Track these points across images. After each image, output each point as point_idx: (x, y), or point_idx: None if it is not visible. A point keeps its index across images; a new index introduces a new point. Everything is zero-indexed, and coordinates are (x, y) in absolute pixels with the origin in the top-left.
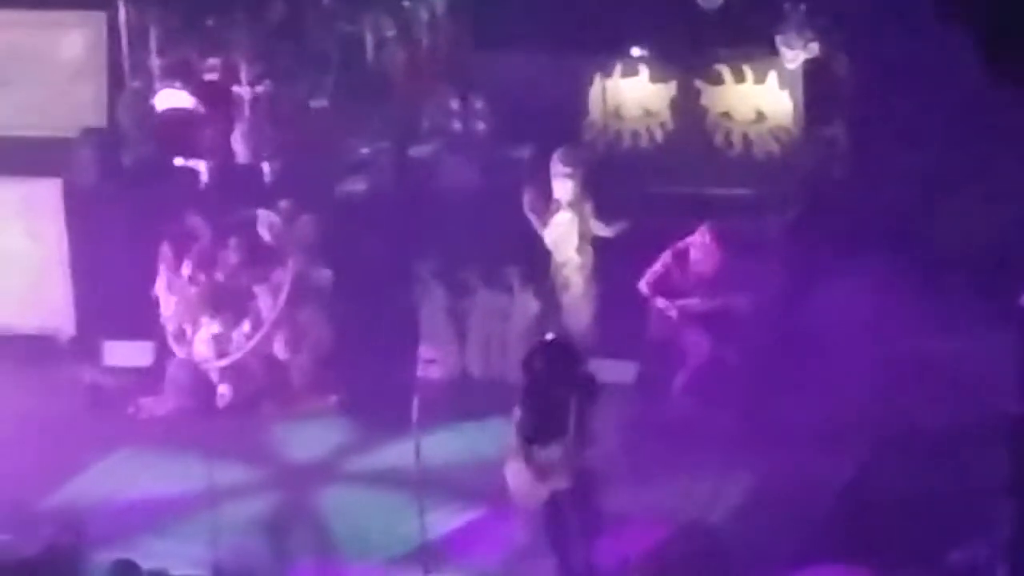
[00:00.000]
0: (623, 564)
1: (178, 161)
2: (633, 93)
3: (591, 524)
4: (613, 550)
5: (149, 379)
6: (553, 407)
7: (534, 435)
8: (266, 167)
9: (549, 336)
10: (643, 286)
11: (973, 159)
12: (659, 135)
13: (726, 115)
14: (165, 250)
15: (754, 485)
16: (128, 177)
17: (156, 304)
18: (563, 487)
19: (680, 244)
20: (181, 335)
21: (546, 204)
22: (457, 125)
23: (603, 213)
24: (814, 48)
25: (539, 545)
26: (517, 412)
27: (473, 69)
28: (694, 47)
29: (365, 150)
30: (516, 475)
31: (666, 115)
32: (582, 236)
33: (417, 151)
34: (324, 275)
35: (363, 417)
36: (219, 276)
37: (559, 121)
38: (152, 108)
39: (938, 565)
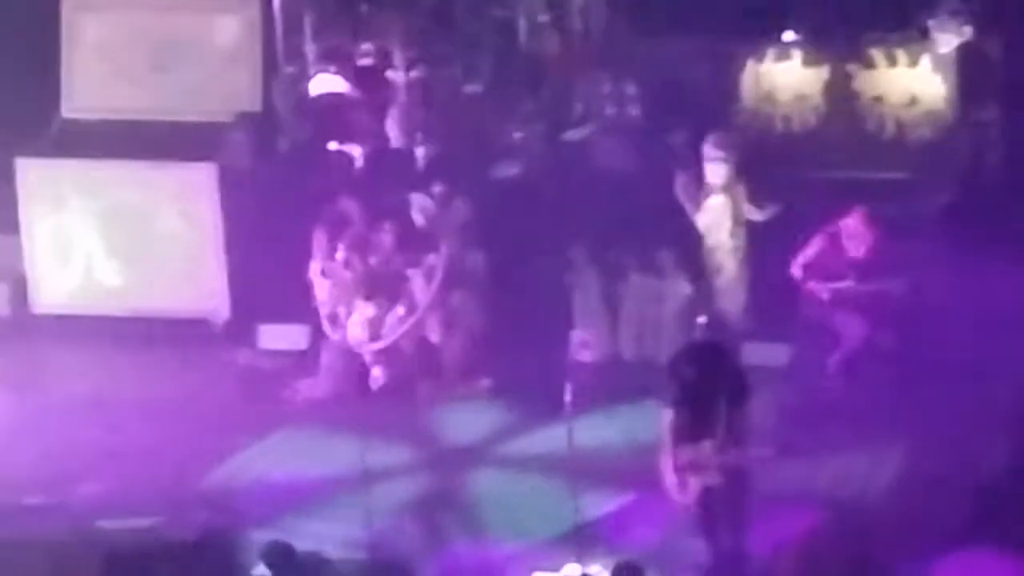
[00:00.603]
0: (775, 548)
1: (332, 146)
2: (785, 78)
3: (742, 517)
4: (764, 534)
5: (304, 362)
6: (704, 406)
7: (685, 433)
8: (420, 151)
9: (701, 320)
10: (795, 270)
11: None
12: (811, 119)
13: (879, 99)
14: (319, 234)
15: (906, 468)
16: (282, 161)
17: (310, 288)
18: (714, 483)
19: (832, 228)
20: (335, 319)
21: (698, 188)
22: (610, 110)
23: (755, 197)
24: (967, 32)
25: (691, 531)
26: (669, 409)
27: (626, 54)
28: (847, 31)
29: (518, 134)
30: (669, 470)
31: (818, 99)
32: (734, 220)
33: (570, 135)
34: (477, 259)
35: (516, 400)
36: (373, 260)
37: (711, 106)
38: (307, 93)
39: None
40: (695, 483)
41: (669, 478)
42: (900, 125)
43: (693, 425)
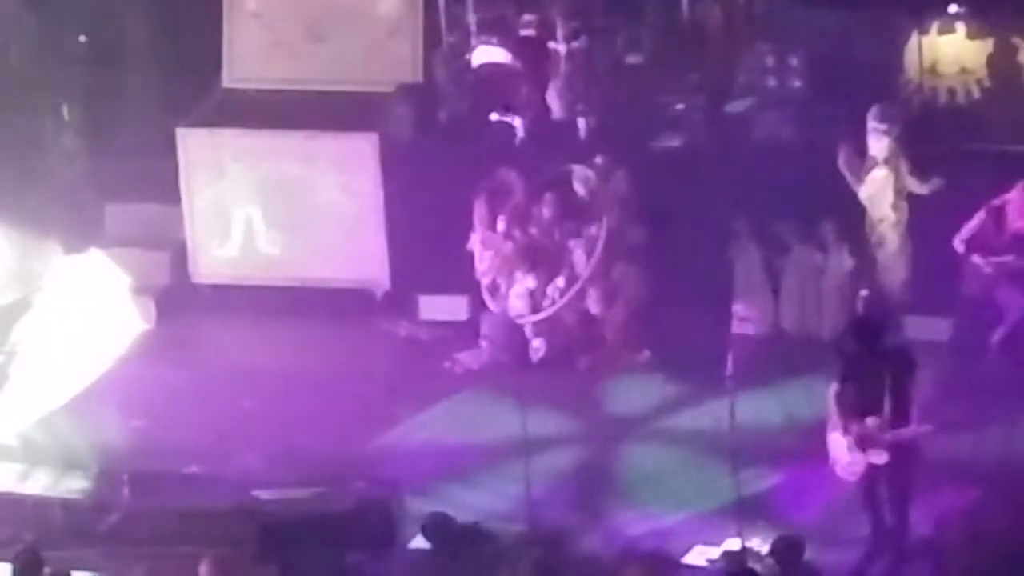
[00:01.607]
0: (938, 524)
1: (493, 117)
2: (950, 49)
3: (906, 493)
4: (928, 510)
5: (464, 333)
6: (870, 382)
7: (852, 409)
8: (581, 123)
9: (863, 294)
10: (958, 243)
11: None
12: (976, 92)
13: None
14: (480, 205)
15: None
16: (443, 132)
17: (471, 259)
18: (881, 461)
19: (996, 201)
20: (496, 290)
21: (861, 161)
22: (772, 82)
23: (918, 170)
24: None
25: (854, 507)
26: (835, 385)
27: (789, 26)
28: (1013, 3)
29: (680, 106)
30: (836, 446)
31: (983, 72)
32: (897, 192)
33: (732, 107)
34: (638, 231)
35: (676, 373)
36: (534, 231)
37: (875, 78)
38: (468, 64)
39: None
40: (860, 459)
41: (834, 454)
42: None
43: (859, 401)
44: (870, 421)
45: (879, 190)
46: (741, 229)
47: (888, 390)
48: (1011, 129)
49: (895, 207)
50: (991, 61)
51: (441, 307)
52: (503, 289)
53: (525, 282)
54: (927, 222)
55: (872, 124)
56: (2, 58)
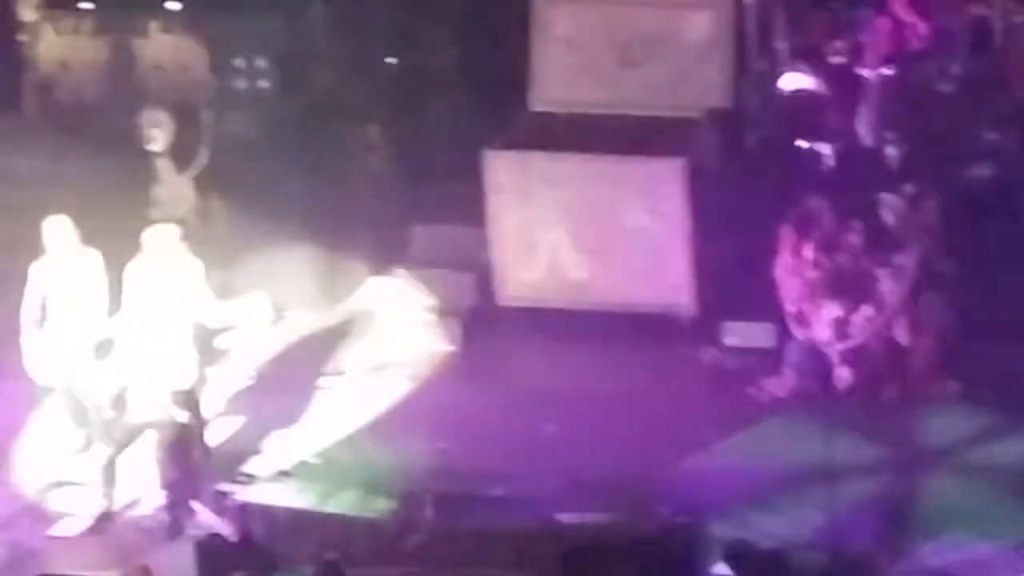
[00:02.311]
0: None
1: (802, 144)
2: None
3: None
4: None
5: (769, 360)
6: None
7: None
8: (890, 150)
9: None
10: None
11: None
12: None
13: None
14: (787, 232)
15: None
16: (750, 158)
17: (776, 285)
18: None
19: None
20: (801, 317)
21: None
22: None
23: None
24: None
25: None
26: None
27: None
28: None
29: (992, 136)
30: None
31: None
32: None
33: None
34: (947, 260)
35: (985, 405)
36: (841, 259)
37: None
38: (777, 90)
39: None
40: None
41: None
42: None
43: None
44: None
45: None
46: None
47: None
48: None
49: None
50: None
51: (746, 333)
52: (809, 316)
53: (831, 310)
54: None
55: None
56: (309, 81)
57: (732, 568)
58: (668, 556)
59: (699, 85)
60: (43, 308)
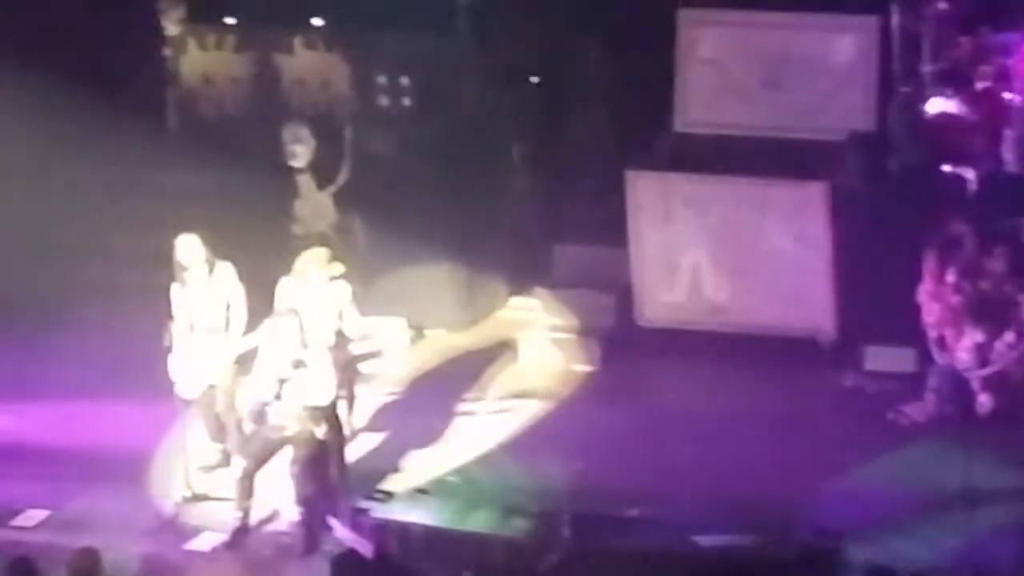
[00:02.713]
0: None
1: (945, 168)
2: None
3: None
4: None
5: (910, 385)
6: None
7: None
8: None
9: None
10: None
11: None
12: None
13: None
14: (930, 256)
15: None
16: (894, 182)
17: (918, 310)
18: None
19: None
20: (943, 342)
21: None
22: None
23: None
24: None
25: None
26: None
27: None
28: None
29: None
30: None
31: None
32: None
33: None
34: None
35: None
36: (984, 285)
37: None
38: (921, 114)
39: None
40: None
41: None
42: None
43: None
44: None
45: None
46: None
47: None
48: None
49: None
50: None
51: (887, 358)
52: (950, 342)
53: (973, 335)
54: None
55: None
56: (452, 99)
57: None
58: None
59: (843, 108)
60: (184, 323)
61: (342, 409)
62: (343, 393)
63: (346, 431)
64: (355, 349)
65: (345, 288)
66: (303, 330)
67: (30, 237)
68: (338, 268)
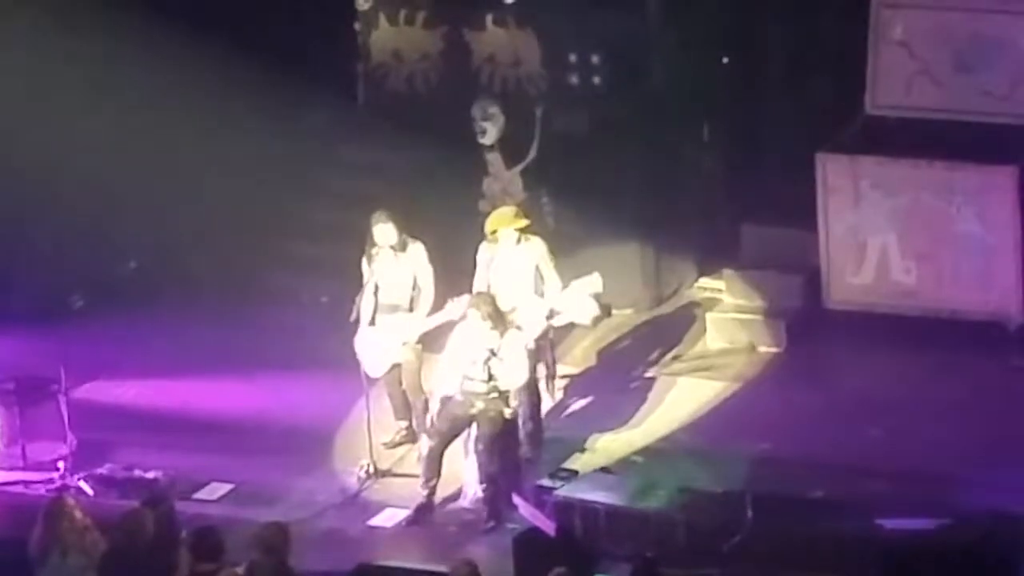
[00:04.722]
0: None
1: None
2: None
3: None
4: None
5: None
6: None
7: None
8: None
9: None
10: None
11: None
12: None
13: None
14: None
15: None
16: None
17: None
18: None
19: None
20: None
21: None
22: None
23: None
24: None
25: None
26: None
27: None
28: None
29: None
30: None
31: None
32: None
33: None
34: None
35: None
36: None
37: None
38: None
39: None
40: None
41: None
42: None
43: None
44: None
45: None
46: None
47: None
48: None
49: None
50: None
51: None
52: None
53: None
54: None
55: None
56: (642, 78)
57: None
58: (988, 564)
59: None
60: (372, 299)
61: (541, 385)
62: (541, 371)
63: (532, 408)
64: (552, 321)
65: (539, 244)
66: (495, 307)
67: (222, 212)
68: (523, 222)
